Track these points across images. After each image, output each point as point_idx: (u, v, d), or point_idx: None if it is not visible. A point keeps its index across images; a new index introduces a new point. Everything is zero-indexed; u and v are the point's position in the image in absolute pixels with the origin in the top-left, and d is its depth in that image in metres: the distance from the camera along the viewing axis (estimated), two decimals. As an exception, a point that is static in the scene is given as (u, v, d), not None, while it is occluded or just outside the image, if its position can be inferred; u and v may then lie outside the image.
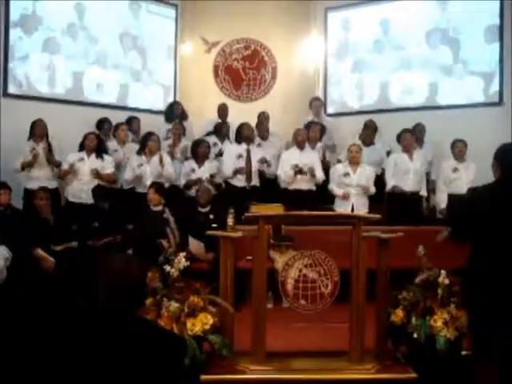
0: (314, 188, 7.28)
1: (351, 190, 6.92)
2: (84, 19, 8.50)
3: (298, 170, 7.07)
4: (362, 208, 6.85)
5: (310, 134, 7.65)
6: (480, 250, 3.23)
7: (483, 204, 3.23)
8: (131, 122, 8.13)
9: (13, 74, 7.83)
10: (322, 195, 7.29)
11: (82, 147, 7.03)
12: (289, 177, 7.14)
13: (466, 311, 3.65)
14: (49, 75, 8.17)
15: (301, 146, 7.35)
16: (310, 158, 7.30)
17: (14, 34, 7.83)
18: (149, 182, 6.76)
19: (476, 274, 3.23)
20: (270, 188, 7.50)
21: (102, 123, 7.88)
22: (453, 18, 8.57)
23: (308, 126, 7.90)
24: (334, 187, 7.06)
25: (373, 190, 7.05)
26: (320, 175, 7.26)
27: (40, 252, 5.73)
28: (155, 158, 7.06)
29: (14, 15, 7.85)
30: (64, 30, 8.30)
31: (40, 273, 5.62)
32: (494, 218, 3.17)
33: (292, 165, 7.11)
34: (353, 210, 6.83)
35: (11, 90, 7.80)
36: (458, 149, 7.17)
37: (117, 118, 8.03)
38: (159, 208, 6.28)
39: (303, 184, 7.18)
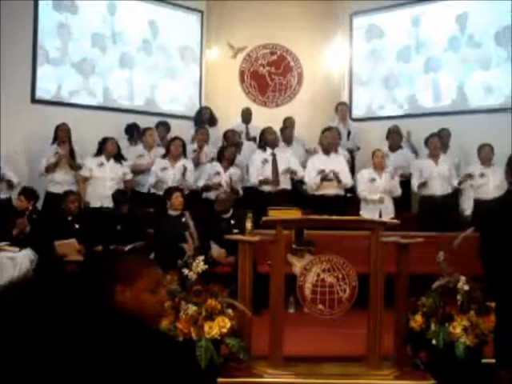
0: (341, 193, 7.24)
1: (378, 196, 6.94)
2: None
3: (324, 176, 7.05)
4: (389, 213, 6.89)
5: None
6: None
7: (498, 215, 3.17)
8: (159, 127, 8.20)
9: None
10: (349, 201, 7.27)
11: (99, 152, 7.10)
12: (315, 183, 7.13)
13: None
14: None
15: (327, 151, 7.34)
16: (336, 162, 7.27)
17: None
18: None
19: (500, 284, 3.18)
20: (299, 192, 7.54)
21: (131, 128, 8.00)
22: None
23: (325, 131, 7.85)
24: (365, 193, 7.03)
25: (399, 192, 7.07)
26: (347, 180, 7.22)
27: (58, 242, 5.86)
28: (179, 165, 7.13)
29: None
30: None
31: (64, 273, 5.73)
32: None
33: (318, 170, 7.11)
34: (381, 215, 6.82)
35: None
36: (485, 153, 7.12)
37: (146, 123, 8.14)
38: (178, 212, 6.33)
39: (330, 189, 7.15)
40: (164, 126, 8.24)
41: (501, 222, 3.06)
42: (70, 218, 6.18)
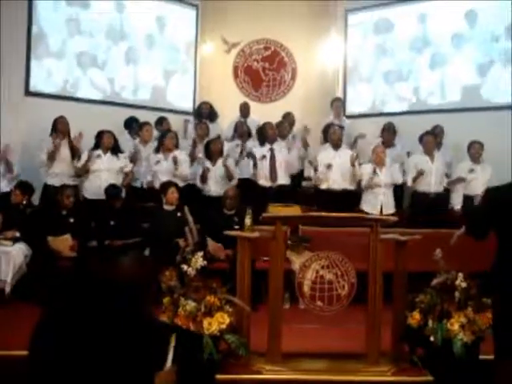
0: (349, 188, 7.25)
1: (380, 190, 6.97)
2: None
3: (328, 167, 7.10)
4: (390, 208, 6.95)
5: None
6: (504, 250, 3.20)
7: (503, 203, 3.20)
8: (161, 123, 8.16)
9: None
10: (353, 196, 7.28)
11: (97, 145, 7.06)
12: (322, 176, 7.18)
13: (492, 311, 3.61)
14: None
15: (336, 146, 7.38)
16: (344, 157, 7.28)
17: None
18: (163, 179, 6.82)
19: (501, 276, 3.21)
20: (298, 188, 7.65)
21: (129, 122, 7.95)
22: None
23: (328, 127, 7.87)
24: (368, 183, 7.04)
25: (400, 180, 7.17)
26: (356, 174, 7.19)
27: (51, 238, 5.85)
28: (171, 157, 7.11)
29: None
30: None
31: (57, 268, 5.72)
32: None
33: (325, 164, 7.14)
34: (382, 209, 6.86)
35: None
36: (475, 150, 7.20)
37: (148, 118, 8.15)
38: (173, 207, 6.31)
39: (337, 184, 7.19)
40: (166, 121, 8.20)
41: None
42: (64, 213, 6.16)
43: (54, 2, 8.09)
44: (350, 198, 7.16)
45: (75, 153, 7.02)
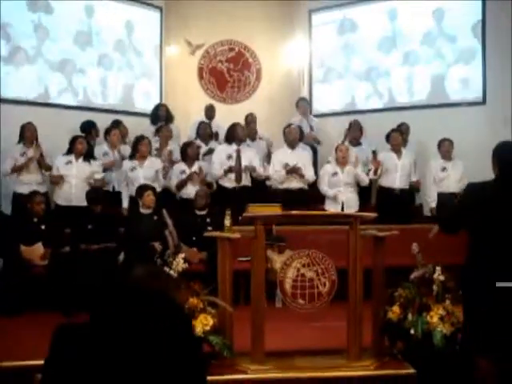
0: (305, 187, 7.31)
1: (340, 189, 7.01)
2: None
3: (290, 169, 7.11)
4: (353, 206, 6.98)
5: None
6: (479, 246, 3.30)
7: (481, 200, 3.30)
8: (118, 126, 8.05)
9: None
10: (313, 194, 7.33)
11: (69, 151, 6.96)
12: (280, 176, 7.19)
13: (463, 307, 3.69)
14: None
15: (292, 145, 7.40)
16: (300, 157, 7.34)
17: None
18: None
19: (475, 271, 3.29)
20: (260, 188, 7.58)
21: (89, 127, 7.84)
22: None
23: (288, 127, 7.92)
24: (325, 188, 7.12)
25: (365, 180, 7.21)
26: (310, 174, 7.29)
27: (24, 248, 5.76)
28: (147, 163, 7.07)
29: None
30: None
31: (31, 277, 5.64)
32: (492, 215, 3.23)
33: (283, 164, 7.16)
34: (343, 208, 6.92)
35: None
36: (445, 148, 7.32)
37: (103, 120, 8.05)
38: (150, 211, 6.27)
39: (294, 183, 7.22)
40: (122, 124, 8.10)
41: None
42: (35, 220, 6.05)
43: (23, 8, 7.95)
44: (307, 197, 7.20)
45: (42, 161, 6.93)
